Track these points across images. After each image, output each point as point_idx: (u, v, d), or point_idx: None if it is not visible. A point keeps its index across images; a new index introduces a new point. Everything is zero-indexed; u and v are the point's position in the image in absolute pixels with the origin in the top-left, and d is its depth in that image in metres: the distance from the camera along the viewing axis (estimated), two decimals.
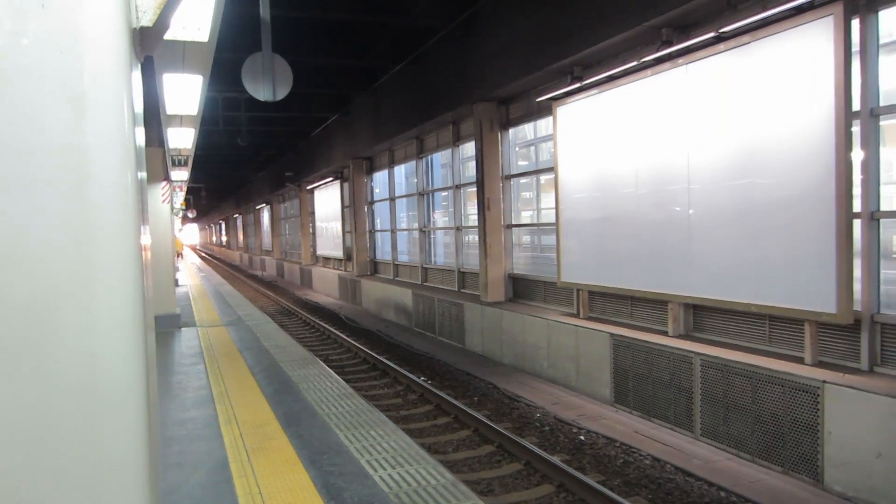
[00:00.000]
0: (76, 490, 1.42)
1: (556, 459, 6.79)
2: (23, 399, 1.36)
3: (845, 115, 6.11)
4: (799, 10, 6.43)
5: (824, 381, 6.18)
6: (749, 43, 7.01)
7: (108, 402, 1.45)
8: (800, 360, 6.90)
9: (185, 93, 6.59)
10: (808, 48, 6.42)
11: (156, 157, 11.42)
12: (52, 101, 1.39)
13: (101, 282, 1.44)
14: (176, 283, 15.60)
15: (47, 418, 1.38)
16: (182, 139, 10.26)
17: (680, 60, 7.93)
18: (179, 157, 11.90)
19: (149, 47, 1.83)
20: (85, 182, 1.42)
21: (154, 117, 8.42)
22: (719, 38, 7.32)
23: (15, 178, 1.36)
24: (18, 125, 1.36)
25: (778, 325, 7.40)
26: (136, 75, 1.62)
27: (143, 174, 1.77)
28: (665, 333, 8.73)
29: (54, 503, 1.39)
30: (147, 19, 1.69)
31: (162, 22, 1.74)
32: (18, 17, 1.33)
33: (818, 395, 6.21)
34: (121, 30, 1.47)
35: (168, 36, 3.80)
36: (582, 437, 7.80)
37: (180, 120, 8.42)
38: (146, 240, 1.73)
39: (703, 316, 8.48)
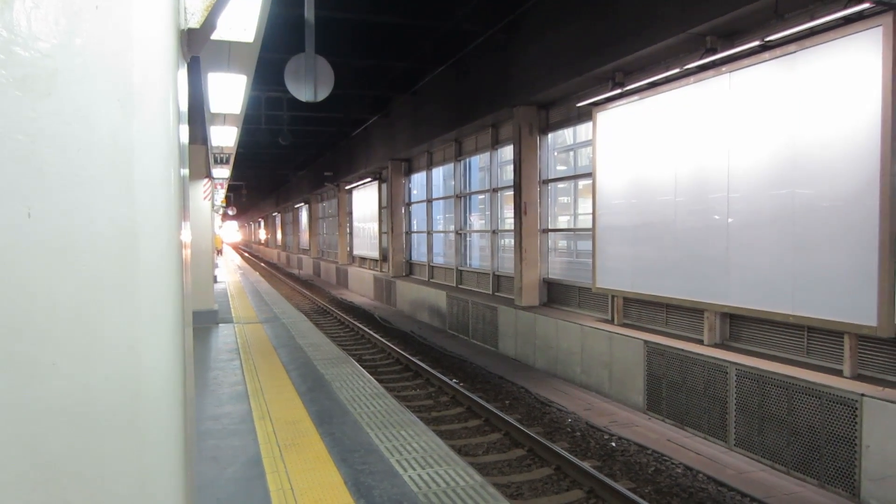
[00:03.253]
0: (116, 478, 1.46)
1: (586, 465, 6.76)
2: (67, 388, 1.40)
3: (892, 127, 5.99)
4: (847, 21, 6.32)
5: (863, 395, 6.07)
6: (795, 52, 6.92)
7: (146, 394, 1.49)
8: (838, 373, 6.78)
9: (230, 92, 6.70)
10: (856, 58, 6.32)
11: (198, 155, 11.62)
12: (103, 99, 1.42)
13: (142, 276, 1.48)
14: (214, 280, 15.84)
15: (89, 408, 1.42)
16: (225, 137, 10.43)
17: (724, 68, 7.84)
18: (221, 155, 12.09)
19: (195, 48, 1.87)
20: (130, 178, 1.46)
21: (198, 115, 8.58)
22: (764, 47, 7.22)
23: (65, 173, 1.40)
24: (70, 122, 1.40)
25: (816, 336, 7.28)
26: (183, 75, 1.66)
27: (185, 171, 1.82)
28: (700, 342, 8.64)
29: (95, 490, 1.43)
30: (195, 21, 1.73)
31: (209, 23, 1.79)
32: (74, 18, 1.37)
33: (856, 409, 6.10)
34: (169, 31, 1.51)
35: (214, 36, 3.88)
36: (613, 444, 7.75)
37: (224, 118, 8.56)
38: (187, 236, 1.77)
39: (739, 325, 8.37)
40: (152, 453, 1.51)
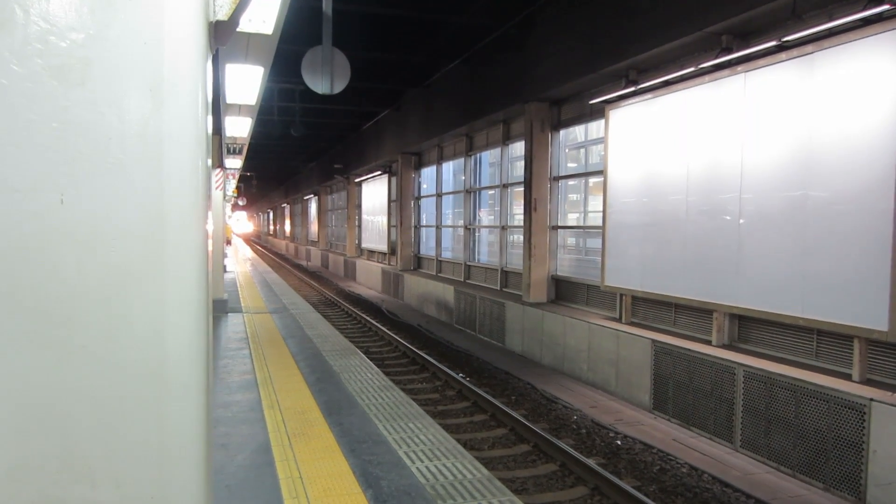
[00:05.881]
0: (141, 461, 1.49)
1: (591, 462, 6.78)
2: (96, 372, 1.43)
3: None
4: (866, 22, 6.30)
5: (871, 399, 6.07)
6: (812, 53, 6.89)
7: (171, 378, 1.52)
8: (847, 377, 6.78)
9: (246, 83, 6.74)
10: (874, 60, 6.29)
11: (213, 145, 11.65)
12: (134, 89, 1.45)
13: (170, 263, 1.50)
14: (224, 269, 15.90)
15: (117, 391, 1.45)
16: (238, 128, 10.47)
17: (739, 68, 7.82)
18: (234, 145, 12.13)
19: (221, 40, 1.90)
20: (160, 167, 1.48)
21: (214, 105, 8.60)
22: (781, 47, 7.20)
23: (97, 161, 1.42)
24: (102, 111, 1.42)
25: (826, 339, 7.27)
26: (209, 66, 1.69)
27: (210, 161, 1.84)
28: (708, 342, 8.64)
29: (120, 470, 1.47)
30: (223, 13, 1.75)
31: (236, 16, 1.81)
32: (108, 9, 1.40)
33: (864, 413, 6.10)
34: (199, 23, 1.53)
35: None
36: (619, 442, 7.77)
37: (238, 109, 8.59)
38: (210, 226, 1.80)
39: (748, 327, 8.37)
40: (175, 437, 1.54)
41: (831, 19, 6.64)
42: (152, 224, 1.47)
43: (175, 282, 1.51)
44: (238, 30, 4.28)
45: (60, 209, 1.38)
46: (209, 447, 1.74)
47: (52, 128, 1.38)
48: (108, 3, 1.40)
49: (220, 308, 12.12)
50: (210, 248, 1.83)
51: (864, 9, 6.22)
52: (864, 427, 6.11)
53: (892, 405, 5.91)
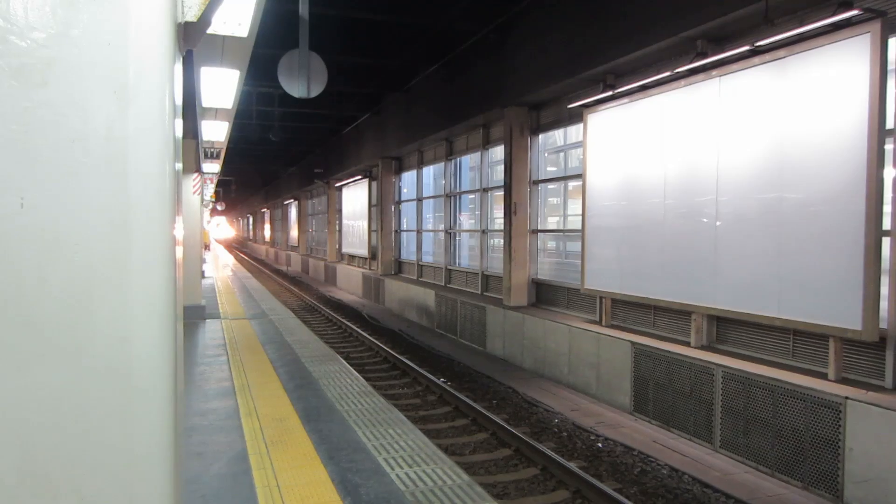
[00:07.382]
0: (105, 472, 1.45)
1: (572, 465, 6.78)
2: (57, 380, 1.39)
3: (878, 132, 6.05)
4: (836, 27, 6.38)
5: (847, 398, 6.12)
6: (785, 57, 6.96)
7: (137, 387, 1.48)
8: (823, 376, 6.84)
9: (222, 86, 6.67)
10: (844, 64, 6.37)
11: (189, 149, 11.56)
12: (98, 90, 1.41)
13: (135, 269, 1.47)
14: (202, 275, 15.76)
15: (80, 400, 1.41)
16: (216, 132, 10.38)
17: (714, 73, 7.88)
18: (212, 150, 12.03)
19: (191, 42, 1.86)
20: (125, 171, 1.45)
21: (189, 109, 8.52)
22: (755, 52, 7.27)
23: (59, 164, 1.39)
24: (65, 113, 1.39)
25: (802, 339, 7.33)
26: (178, 68, 1.65)
27: (179, 165, 1.81)
28: (687, 344, 8.68)
29: (84, 484, 1.42)
30: (192, 14, 1.72)
31: (206, 17, 1.78)
32: (70, 8, 1.37)
33: (840, 412, 6.15)
34: (166, 24, 1.50)
35: (209, 30, 3.86)
36: (600, 445, 7.78)
37: (215, 113, 8.52)
38: (180, 231, 1.77)
39: (726, 328, 8.42)
40: (143, 445, 1.50)
41: (802, 24, 6.71)
42: (117, 228, 1.44)
43: (141, 287, 1.48)
44: (212, 32, 4.25)
45: (20, 213, 1.35)
46: (178, 457, 1.70)
47: (11, 130, 1.34)
48: (70, 2, 1.37)
49: (197, 314, 11.99)
50: (180, 253, 1.79)
51: (834, 14, 6.29)
52: (840, 425, 6.16)
53: (866, 403, 5.96)
